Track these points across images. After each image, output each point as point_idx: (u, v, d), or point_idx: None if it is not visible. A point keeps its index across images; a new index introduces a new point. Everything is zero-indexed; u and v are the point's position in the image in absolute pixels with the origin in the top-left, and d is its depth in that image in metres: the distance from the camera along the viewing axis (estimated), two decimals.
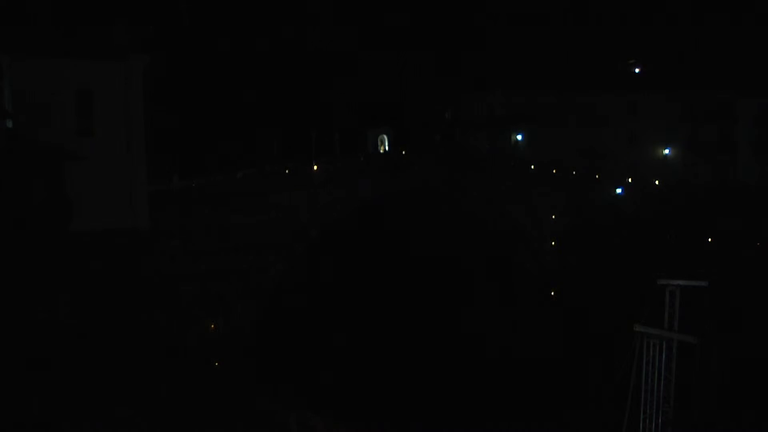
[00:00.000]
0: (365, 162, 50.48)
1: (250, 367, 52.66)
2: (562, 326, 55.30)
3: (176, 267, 37.18)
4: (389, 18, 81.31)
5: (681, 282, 32.01)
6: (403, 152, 62.94)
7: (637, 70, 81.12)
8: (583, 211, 63.26)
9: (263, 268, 41.30)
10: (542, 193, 60.97)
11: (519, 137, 73.43)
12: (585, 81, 79.70)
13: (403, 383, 55.45)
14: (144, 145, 35.24)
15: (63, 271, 31.24)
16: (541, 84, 78.50)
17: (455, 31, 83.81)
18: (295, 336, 63.92)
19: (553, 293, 58.75)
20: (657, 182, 66.36)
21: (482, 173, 57.42)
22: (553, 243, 60.50)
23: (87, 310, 31.84)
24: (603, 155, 76.19)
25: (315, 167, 46.24)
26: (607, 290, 56.05)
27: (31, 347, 28.21)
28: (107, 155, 34.00)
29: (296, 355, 60.29)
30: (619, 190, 64.51)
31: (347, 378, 55.84)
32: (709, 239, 50.49)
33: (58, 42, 34.25)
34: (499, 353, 53.32)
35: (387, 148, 79.29)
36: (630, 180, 67.45)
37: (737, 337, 46.40)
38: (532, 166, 63.31)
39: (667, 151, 73.95)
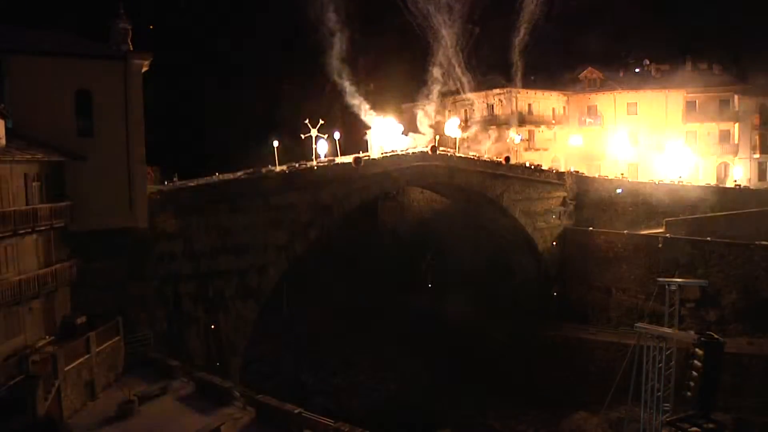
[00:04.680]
0: (365, 161, 50.34)
1: (251, 367, 52.63)
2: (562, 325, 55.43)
3: (176, 267, 37.16)
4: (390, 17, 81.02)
5: (681, 282, 32.04)
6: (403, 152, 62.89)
7: (637, 70, 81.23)
8: (584, 211, 63.34)
9: (263, 268, 41.23)
10: (542, 192, 61.02)
11: (519, 137, 73.54)
12: (585, 80, 79.88)
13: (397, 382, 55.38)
14: (144, 145, 35.22)
15: (63, 270, 31.26)
16: (542, 84, 78.73)
17: (456, 30, 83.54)
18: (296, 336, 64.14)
19: (555, 293, 58.79)
20: (657, 182, 66.38)
21: (481, 173, 57.37)
22: (554, 243, 60.49)
23: (87, 309, 31.88)
24: (603, 155, 76.43)
25: (315, 167, 46.17)
26: (608, 290, 56.12)
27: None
28: (107, 155, 33.98)
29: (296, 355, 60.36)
30: (619, 191, 64.58)
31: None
32: (709, 239, 50.47)
33: (58, 42, 34.28)
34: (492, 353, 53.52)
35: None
36: (630, 180, 67.55)
37: (738, 336, 46.46)
38: (532, 166, 63.35)
39: (667, 152, 74.05)
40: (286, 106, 79.23)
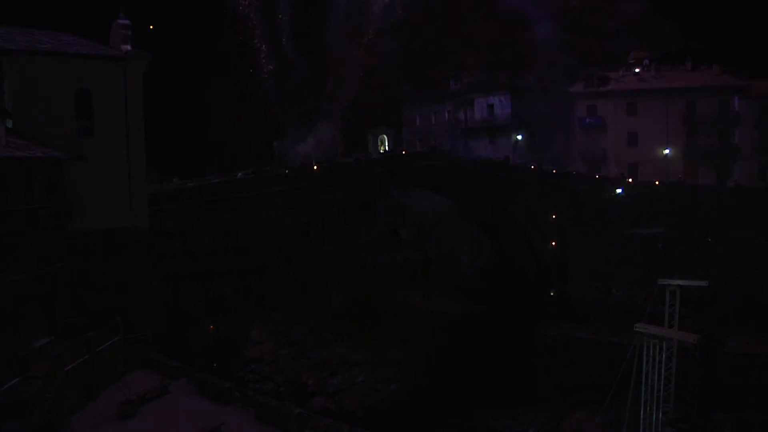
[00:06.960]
0: (365, 161, 50.42)
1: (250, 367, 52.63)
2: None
3: (176, 267, 37.18)
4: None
5: (681, 282, 32.01)
6: (404, 152, 63.00)
7: (637, 70, 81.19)
8: (584, 211, 63.33)
9: (263, 268, 41.25)
10: (542, 193, 61.01)
11: (519, 137, 73.49)
12: (585, 82, 79.85)
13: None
14: (144, 145, 35.23)
15: (63, 270, 31.24)
16: (542, 85, 78.63)
17: (457, 31, 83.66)
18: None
19: (552, 293, 58.81)
20: (657, 182, 66.39)
21: (482, 172, 57.41)
22: (554, 243, 60.48)
23: (87, 309, 31.86)
24: (603, 155, 76.43)
25: (315, 167, 46.22)
26: (608, 290, 56.11)
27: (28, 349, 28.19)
28: (107, 155, 33.98)
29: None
30: (619, 190, 64.57)
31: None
32: (709, 239, 50.47)
33: (58, 42, 34.28)
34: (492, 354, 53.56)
35: (387, 147, 79.42)
36: (630, 180, 67.54)
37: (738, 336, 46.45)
38: (532, 166, 63.33)
39: (667, 152, 74.08)
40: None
